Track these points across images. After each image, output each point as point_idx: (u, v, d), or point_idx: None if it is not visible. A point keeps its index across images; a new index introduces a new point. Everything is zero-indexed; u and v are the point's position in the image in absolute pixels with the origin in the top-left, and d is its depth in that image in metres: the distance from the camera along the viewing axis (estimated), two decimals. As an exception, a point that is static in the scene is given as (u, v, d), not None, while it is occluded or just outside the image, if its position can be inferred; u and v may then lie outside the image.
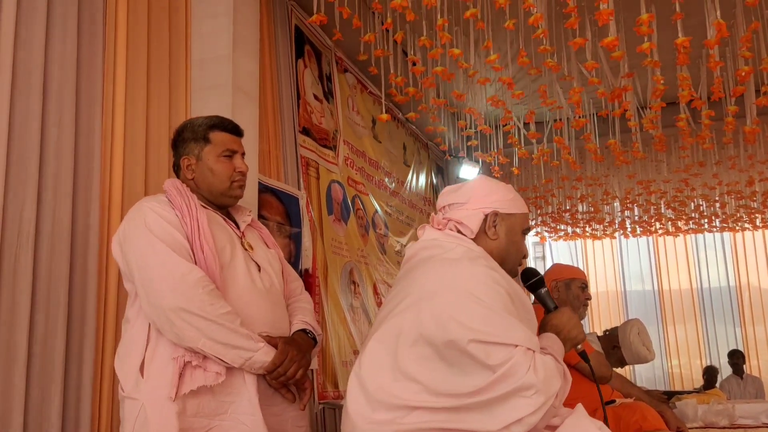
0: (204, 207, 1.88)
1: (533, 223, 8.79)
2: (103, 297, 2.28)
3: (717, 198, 7.30)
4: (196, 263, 1.75)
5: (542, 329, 1.65)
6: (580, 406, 1.52)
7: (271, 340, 1.78)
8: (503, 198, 1.71)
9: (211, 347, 1.67)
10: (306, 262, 3.54)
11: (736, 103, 4.23)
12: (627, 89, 4.04)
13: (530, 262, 10.44)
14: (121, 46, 2.42)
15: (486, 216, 1.68)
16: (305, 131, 3.77)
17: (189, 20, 2.81)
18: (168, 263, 1.71)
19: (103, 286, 2.29)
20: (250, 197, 2.86)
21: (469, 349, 1.39)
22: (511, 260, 1.71)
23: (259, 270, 1.91)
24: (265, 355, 1.73)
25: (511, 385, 1.36)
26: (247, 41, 2.89)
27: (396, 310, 1.55)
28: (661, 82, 3.86)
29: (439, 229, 1.69)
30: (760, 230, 9.21)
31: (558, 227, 8.80)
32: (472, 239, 1.66)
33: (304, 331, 1.92)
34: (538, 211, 8.10)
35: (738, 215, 7.77)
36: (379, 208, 4.88)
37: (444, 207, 1.75)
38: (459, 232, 1.67)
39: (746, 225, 8.39)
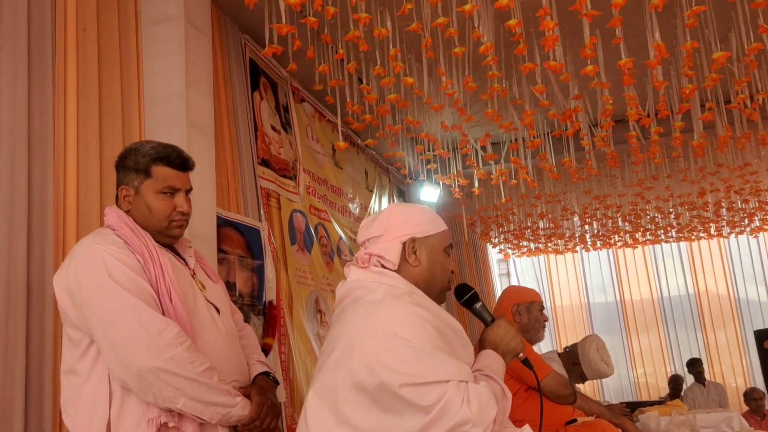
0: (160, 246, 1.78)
1: (496, 240, 8.90)
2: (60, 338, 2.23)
3: (671, 209, 7.51)
4: (163, 314, 1.65)
5: (481, 346, 1.66)
6: (527, 427, 1.55)
7: (244, 392, 1.75)
8: (418, 222, 1.69)
9: (190, 406, 1.60)
10: (270, 294, 3.52)
11: (683, 118, 4.39)
12: (577, 110, 4.15)
13: (495, 280, 10.54)
14: (71, 86, 2.40)
15: (404, 244, 1.66)
16: (264, 162, 3.77)
17: (140, 58, 2.81)
18: (140, 319, 1.59)
19: (60, 330, 2.24)
20: (208, 232, 2.85)
21: (401, 394, 1.38)
22: (438, 282, 1.69)
23: (218, 312, 1.85)
24: (242, 409, 1.70)
25: (447, 424, 1.36)
26: (201, 77, 2.90)
27: (329, 361, 1.54)
28: (610, 101, 3.98)
29: (364, 267, 1.67)
30: (714, 238, 9.48)
31: (520, 244, 8.92)
32: (396, 270, 1.65)
33: (266, 374, 1.89)
34: (500, 229, 8.21)
35: (692, 225, 8.00)
36: (343, 235, 4.89)
37: (364, 242, 1.72)
38: (383, 266, 1.66)
39: (701, 234, 8.64)
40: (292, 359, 3.72)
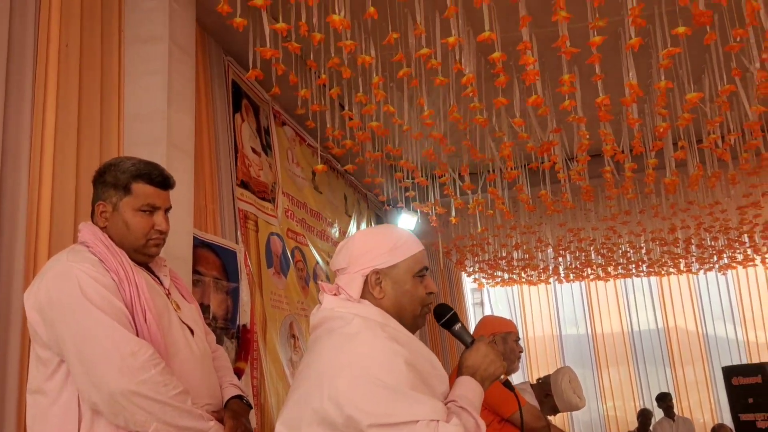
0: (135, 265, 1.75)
1: (471, 269, 8.94)
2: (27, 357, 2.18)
3: (642, 244, 7.63)
4: (138, 334, 1.62)
5: (459, 371, 1.62)
6: None
7: (217, 416, 1.71)
8: (381, 252, 1.61)
9: (163, 431, 1.56)
10: (244, 318, 3.48)
11: (656, 156, 4.49)
12: (554, 144, 4.22)
13: (468, 309, 10.56)
14: (51, 100, 2.38)
15: (366, 277, 1.60)
16: (243, 184, 3.76)
17: (122, 76, 2.80)
18: (114, 339, 1.56)
19: (27, 348, 2.19)
20: (185, 253, 2.82)
21: None
22: (408, 312, 1.62)
23: (193, 333, 1.82)
24: None
25: None
26: (183, 97, 2.89)
27: (299, 392, 1.51)
28: (587, 136, 4.06)
29: (335, 295, 1.62)
30: (684, 274, 9.64)
31: (495, 274, 8.98)
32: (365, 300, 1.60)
33: (239, 397, 1.86)
34: (475, 259, 8.26)
35: (663, 260, 8.13)
36: (320, 259, 4.87)
37: (336, 272, 1.68)
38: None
39: (671, 269, 8.79)
40: (264, 384, 3.67)
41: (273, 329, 3.90)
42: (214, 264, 3.24)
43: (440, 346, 7.89)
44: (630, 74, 3.28)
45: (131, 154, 2.59)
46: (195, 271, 3.01)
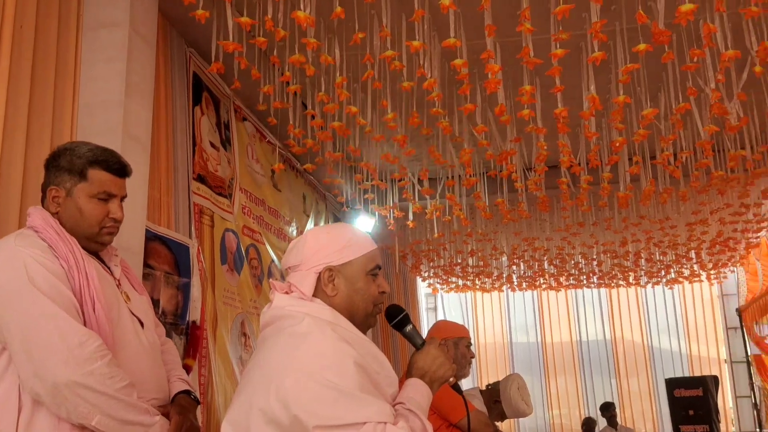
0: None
1: (426, 274, 8.99)
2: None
3: (594, 256, 7.79)
4: (85, 324, 1.57)
5: (408, 373, 1.62)
6: None
7: (163, 410, 1.68)
8: (334, 249, 1.60)
9: (105, 424, 1.52)
10: (194, 314, 3.42)
11: (611, 170, 4.59)
12: (513, 153, 4.28)
13: (422, 313, 10.62)
14: (1, 84, 2.29)
15: (319, 274, 1.59)
16: (200, 178, 3.69)
17: (79, 62, 2.72)
18: (60, 329, 1.51)
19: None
20: (136, 245, 2.76)
21: None
22: (360, 310, 1.61)
23: (142, 325, 1.78)
24: (160, 429, 1.63)
25: None
26: (141, 87, 2.82)
27: (246, 390, 1.49)
28: (545, 147, 4.13)
29: (286, 293, 1.61)
30: (632, 287, 9.89)
31: (449, 279, 9.05)
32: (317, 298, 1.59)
33: (187, 392, 1.83)
34: (431, 264, 8.31)
35: (613, 273, 8.32)
36: (275, 258, 4.81)
37: (287, 269, 1.66)
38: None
39: (620, 282, 9.00)
40: (212, 382, 3.61)
41: (224, 327, 3.84)
42: (166, 258, 3.17)
43: (391, 348, 7.90)
44: (591, 88, 3.35)
45: (84, 142, 2.52)
46: (146, 265, 2.94)
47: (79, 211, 1.72)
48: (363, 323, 1.63)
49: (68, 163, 1.73)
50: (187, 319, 3.37)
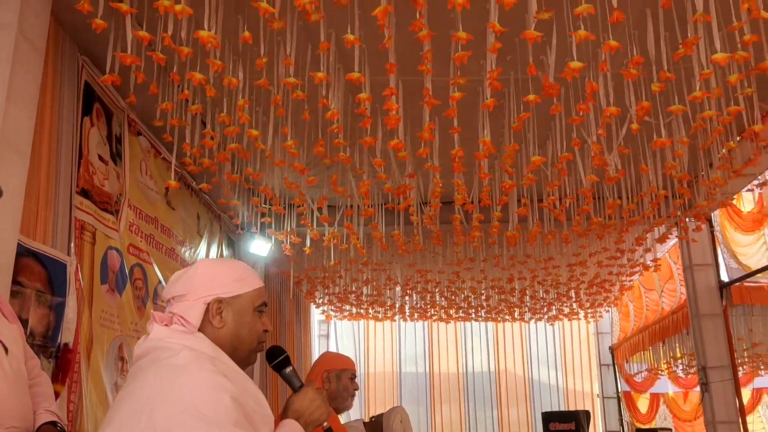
0: None
1: (320, 301, 8.94)
2: None
3: (483, 291, 8.06)
4: None
5: (284, 413, 1.62)
6: None
7: None
8: (226, 281, 1.60)
9: None
10: (67, 336, 3.21)
11: (501, 210, 4.79)
12: (410, 188, 4.37)
13: (314, 340, 10.52)
14: None
15: (208, 305, 1.57)
16: (84, 193, 3.51)
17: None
18: None
19: None
20: (5, 261, 2.57)
21: None
22: (244, 345, 1.61)
23: (6, 352, 1.68)
24: None
25: None
26: (25, 93, 2.66)
27: (116, 421, 1.44)
28: (440, 184, 4.25)
29: (165, 326, 1.56)
30: (517, 322, 10.31)
31: (343, 307, 9.04)
32: (200, 330, 1.56)
33: (53, 423, 1.74)
34: (326, 291, 8.27)
35: (500, 308, 8.63)
36: (163, 279, 4.62)
37: (169, 300, 1.61)
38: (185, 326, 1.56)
39: (506, 317, 9.35)
40: (82, 409, 3.39)
41: (99, 350, 3.63)
42: (39, 275, 2.97)
43: (269, 388, 7.67)
44: (485, 131, 3.49)
45: (-46, 147, 2.35)
46: (15, 282, 2.74)
47: None
48: (245, 359, 1.61)
49: None
50: (59, 341, 3.16)
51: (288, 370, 1.69)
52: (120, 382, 3.85)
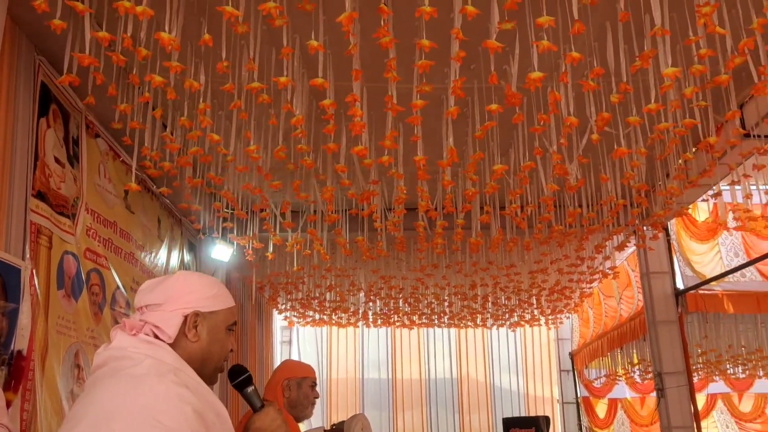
0: None
1: (283, 306, 8.87)
2: None
3: (446, 297, 8.10)
4: None
5: None
6: None
7: None
8: (205, 295, 1.61)
9: None
10: (21, 343, 3.12)
11: (464, 217, 4.83)
12: (374, 194, 4.38)
13: (276, 346, 10.42)
14: None
15: (186, 317, 1.57)
16: (40, 196, 3.42)
17: None
18: None
19: None
20: (-45, 266, 2.49)
21: None
22: (213, 360, 1.62)
23: None
24: None
25: None
26: (-22, 93, 2.59)
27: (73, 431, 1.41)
28: (404, 191, 4.27)
29: (133, 335, 1.54)
30: (479, 328, 10.39)
31: (306, 313, 8.99)
32: (170, 343, 1.55)
33: None
34: (288, 296, 8.21)
35: (462, 314, 8.69)
36: (121, 284, 4.52)
37: (141, 308, 1.60)
38: (156, 336, 1.54)
39: (468, 323, 9.42)
40: (36, 418, 3.29)
41: (55, 357, 3.53)
42: (-8, 281, 2.88)
43: (229, 404, 7.49)
44: (450, 139, 3.52)
45: None
46: (-35, 287, 2.65)
47: None
48: (211, 376, 1.62)
49: None
50: (12, 348, 3.07)
51: (249, 389, 1.69)
52: (76, 389, 3.75)
